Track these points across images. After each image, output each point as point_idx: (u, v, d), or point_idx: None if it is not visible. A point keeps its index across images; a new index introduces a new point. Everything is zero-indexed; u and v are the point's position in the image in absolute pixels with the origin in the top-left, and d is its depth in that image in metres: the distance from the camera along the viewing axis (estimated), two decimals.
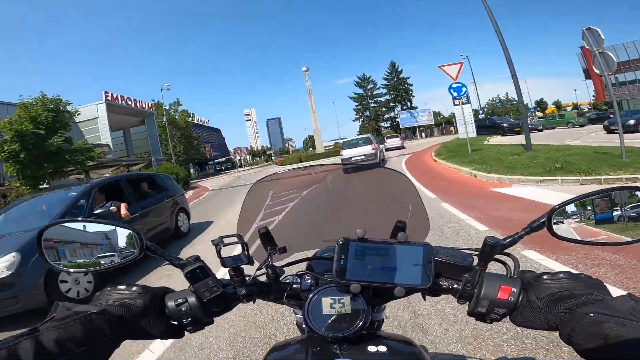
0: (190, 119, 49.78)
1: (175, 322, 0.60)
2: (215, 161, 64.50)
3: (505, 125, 28.40)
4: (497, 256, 0.59)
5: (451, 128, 65.45)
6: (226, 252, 0.60)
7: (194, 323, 0.60)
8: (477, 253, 0.59)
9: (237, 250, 0.64)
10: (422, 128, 60.38)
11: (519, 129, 26.03)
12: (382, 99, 61.23)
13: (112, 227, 0.60)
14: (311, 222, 1.00)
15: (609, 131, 16.38)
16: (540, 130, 28.74)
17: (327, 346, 0.58)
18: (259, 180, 0.93)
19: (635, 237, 0.55)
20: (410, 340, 0.63)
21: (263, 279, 0.66)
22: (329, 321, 0.58)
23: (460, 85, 15.53)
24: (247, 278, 0.63)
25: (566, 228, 0.57)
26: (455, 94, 15.24)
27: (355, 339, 0.58)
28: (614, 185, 0.70)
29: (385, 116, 61.96)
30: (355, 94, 62.13)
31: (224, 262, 0.60)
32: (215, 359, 2.42)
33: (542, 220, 0.55)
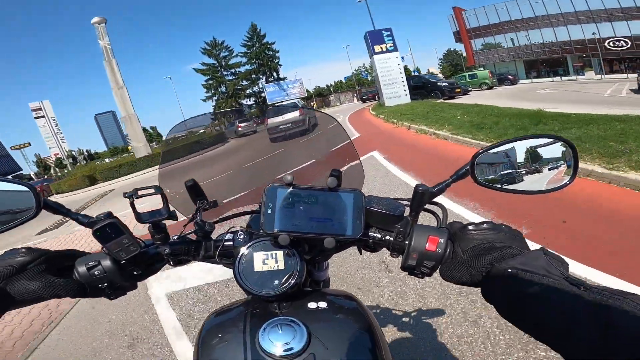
0: None
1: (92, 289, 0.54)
2: None
3: (444, 85, 19.15)
4: (428, 206, 0.58)
5: (331, 97, 57.02)
6: (145, 209, 0.55)
7: (113, 288, 0.55)
8: (409, 203, 0.57)
9: (157, 206, 0.58)
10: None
11: (459, 90, 20.28)
12: (242, 69, 46.95)
13: (1, 184, 0.55)
14: (246, 175, 0.90)
15: None
16: (466, 93, 20.70)
17: (266, 306, 0.56)
18: (171, 131, 0.86)
19: (554, 185, 0.56)
20: (351, 295, 0.62)
21: (193, 237, 0.61)
22: (262, 278, 0.55)
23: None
24: (174, 238, 0.59)
25: (488, 175, 0.57)
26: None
27: (295, 297, 0.56)
28: None
29: (248, 91, 48.03)
30: (203, 64, 45.79)
31: (139, 217, 0.56)
32: None
33: (467, 168, 0.55)
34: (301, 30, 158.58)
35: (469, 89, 23.88)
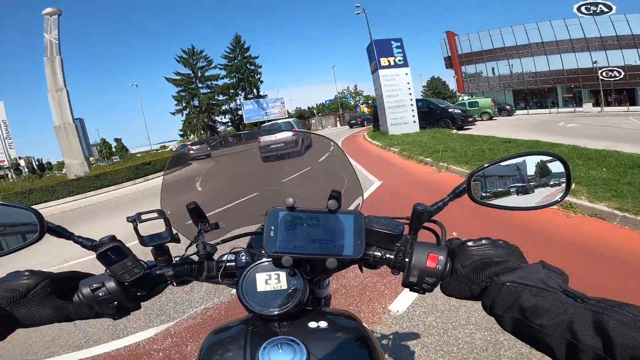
0: None
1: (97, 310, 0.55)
2: None
3: (456, 113, 15.76)
4: (428, 224, 0.59)
5: (312, 121, 53.68)
6: (148, 232, 0.57)
7: (117, 309, 0.55)
8: (408, 222, 0.59)
9: (160, 229, 0.59)
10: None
11: (471, 119, 17.65)
12: (220, 82, 42.96)
13: (5, 208, 0.55)
14: (247, 198, 0.91)
15: None
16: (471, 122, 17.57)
17: (267, 325, 0.56)
18: (178, 149, 0.77)
19: (547, 202, 0.57)
20: (352, 314, 0.63)
21: (195, 259, 0.63)
22: (265, 298, 0.57)
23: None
24: (176, 259, 0.60)
25: (485, 193, 0.58)
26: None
27: (296, 316, 0.57)
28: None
29: (224, 107, 43.87)
30: (177, 74, 41.52)
31: (142, 241, 0.56)
32: None
33: (464, 186, 0.57)
34: (287, 47, 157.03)
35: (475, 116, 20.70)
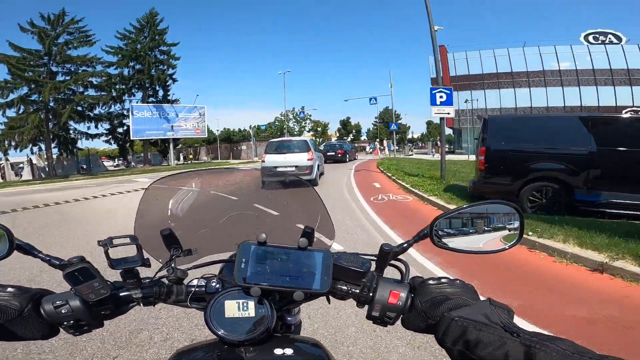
0: None
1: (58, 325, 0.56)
2: None
3: None
4: (395, 262, 0.62)
5: (242, 147, 38.95)
6: (119, 255, 0.58)
7: (77, 326, 0.56)
8: (375, 259, 0.62)
9: (131, 253, 0.61)
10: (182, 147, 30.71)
11: None
12: (98, 67, 26.42)
13: None
14: (223, 226, 0.88)
15: None
16: None
17: (233, 350, 0.57)
18: (157, 180, 0.89)
19: (502, 246, 0.63)
20: (318, 342, 0.64)
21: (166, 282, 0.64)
22: (232, 324, 0.58)
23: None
24: (146, 281, 0.62)
25: (447, 238, 0.62)
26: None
27: (263, 342, 0.58)
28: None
29: (97, 110, 27.03)
30: (17, 49, 24.11)
31: (112, 264, 0.57)
32: None
33: (426, 231, 0.61)
34: (225, 45, 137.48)
35: None
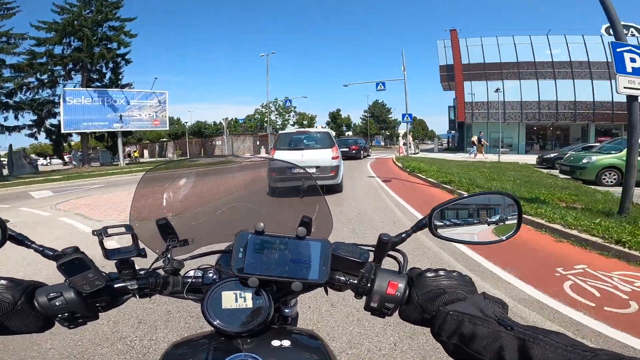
0: None
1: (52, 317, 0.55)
2: None
3: None
4: (393, 253, 0.62)
5: (217, 142, 32.94)
6: (114, 246, 0.58)
7: (72, 319, 0.55)
8: (373, 249, 0.61)
9: (127, 243, 0.59)
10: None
11: None
12: (22, 45, 19.75)
13: None
14: (220, 216, 0.87)
15: None
16: None
17: (230, 341, 0.57)
18: (152, 169, 0.85)
19: (500, 237, 0.63)
20: (315, 334, 0.64)
21: (162, 273, 0.63)
22: (229, 315, 0.58)
23: None
24: (141, 272, 0.61)
25: (445, 228, 0.62)
26: None
27: (260, 334, 0.58)
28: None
29: (18, 96, 20.37)
30: None
31: (107, 254, 0.56)
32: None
33: (425, 220, 0.60)
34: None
35: None
